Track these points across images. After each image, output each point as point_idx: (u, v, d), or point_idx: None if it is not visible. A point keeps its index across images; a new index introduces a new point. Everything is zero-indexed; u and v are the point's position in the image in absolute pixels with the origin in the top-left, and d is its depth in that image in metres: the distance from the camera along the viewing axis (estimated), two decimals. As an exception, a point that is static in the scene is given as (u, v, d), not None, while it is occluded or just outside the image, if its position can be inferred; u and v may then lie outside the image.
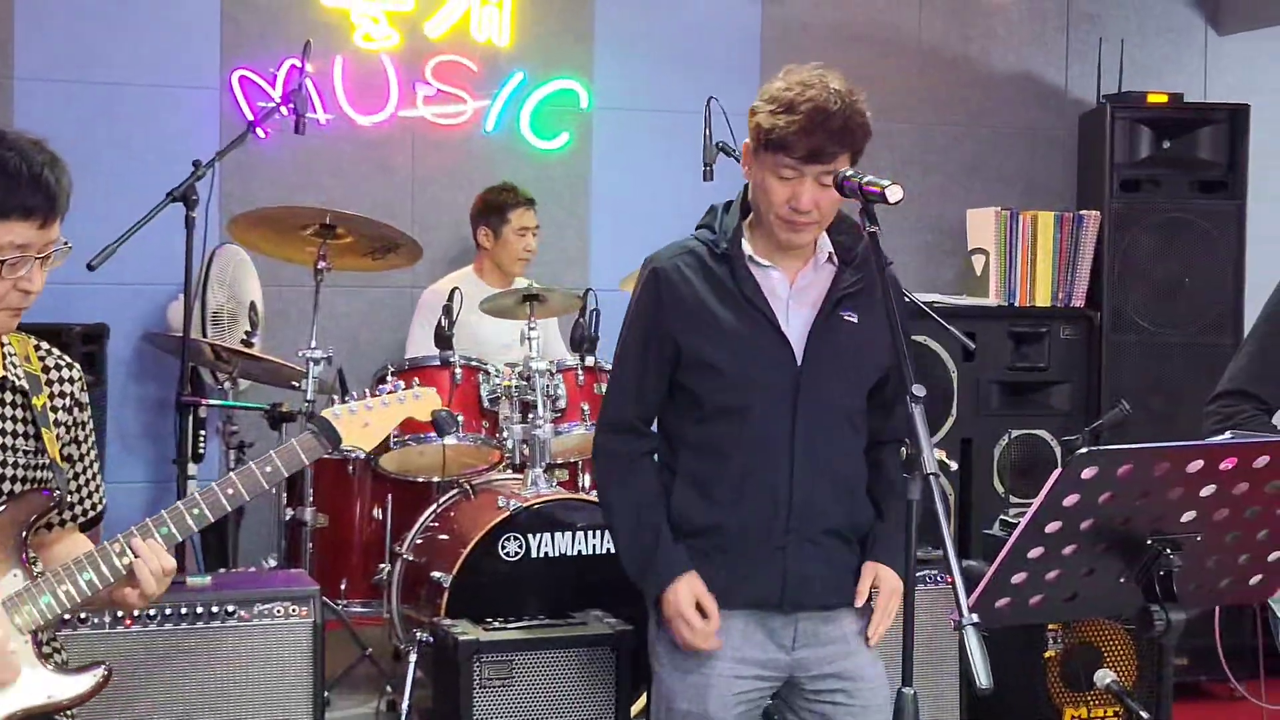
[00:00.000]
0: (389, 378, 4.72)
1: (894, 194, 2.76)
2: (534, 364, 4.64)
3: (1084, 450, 2.28)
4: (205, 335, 5.20)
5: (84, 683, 2.62)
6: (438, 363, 4.72)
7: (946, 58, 6.67)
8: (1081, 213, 6.05)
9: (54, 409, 2.69)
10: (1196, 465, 2.33)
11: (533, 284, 4.84)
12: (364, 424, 2.84)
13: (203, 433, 4.95)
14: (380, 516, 4.90)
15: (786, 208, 2.87)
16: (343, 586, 4.84)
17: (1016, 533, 2.38)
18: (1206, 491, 2.37)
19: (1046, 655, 4.17)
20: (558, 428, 4.68)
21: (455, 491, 4.70)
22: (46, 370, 2.71)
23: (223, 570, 4.56)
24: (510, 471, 4.83)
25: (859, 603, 3.00)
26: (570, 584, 4.34)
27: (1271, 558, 2.55)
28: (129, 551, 2.58)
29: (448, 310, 4.71)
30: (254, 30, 5.83)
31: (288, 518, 4.81)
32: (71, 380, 2.74)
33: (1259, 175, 6.10)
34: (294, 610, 3.71)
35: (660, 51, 6.30)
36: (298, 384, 4.78)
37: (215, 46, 5.80)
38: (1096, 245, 5.99)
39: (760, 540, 2.94)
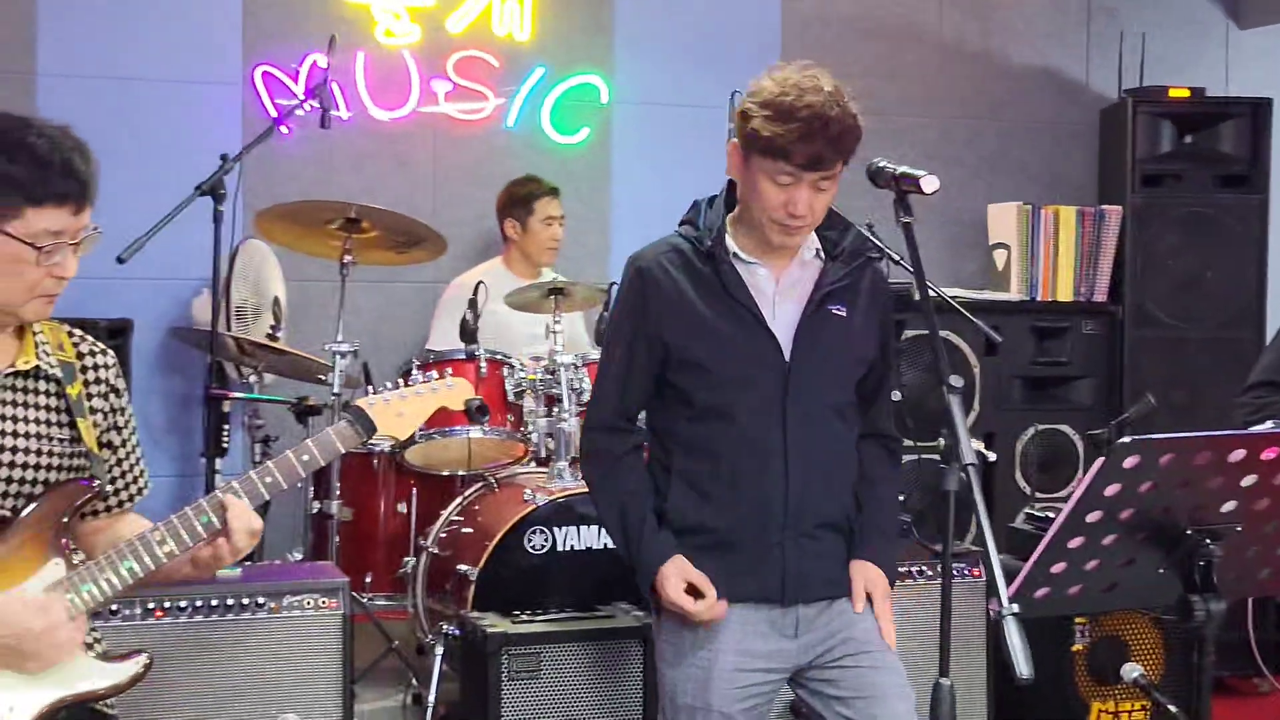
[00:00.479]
0: (414, 371, 4.77)
1: (929, 184, 2.78)
2: (559, 357, 4.64)
3: (1126, 439, 2.28)
4: (229, 329, 5.21)
5: (126, 671, 2.64)
6: (463, 356, 4.72)
7: (967, 52, 6.66)
8: (1103, 207, 6.05)
9: (89, 396, 2.71)
10: (1238, 455, 2.33)
11: (558, 278, 4.84)
12: (398, 413, 2.86)
13: (227, 427, 4.97)
14: (405, 510, 4.89)
15: (782, 212, 2.86)
16: (367, 580, 4.84)
17: (1057, 523, 2.38)
18: (1248, 481, 2.38)
19: (1074, 649, 4.16)
20: (582, 421, 4.67)
21: (480, 485, 4.71)
22: (80, 357, 2.73)
23: (249, 563, 4.56)
24: (535, 465, 4.83)
25: (858, 608, 2.99)
26: (595, 577, 4.33)
27: (1312, 548, 2.55)
28: (169, 540, 2.60)
29: (473, 304, 4.72)
30: (276, 26, 5.83)
31: (314, 510, 4.82)
32: (106, 366, 2.76)
33: (1282, 169, 6.11)
34: (323, 602, 3.72)
35: (680, 46, 6.30)
36: (324, 377, 4.79)
37: (237, 42, 5.81)
38: (1118, 240, 5.99)
39: (757, 537, 2.94)
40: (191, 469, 5.72)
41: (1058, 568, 2.43)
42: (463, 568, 4.32)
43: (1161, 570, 2.47)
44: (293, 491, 5.04)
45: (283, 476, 2.70)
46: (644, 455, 3.11)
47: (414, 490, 4.89)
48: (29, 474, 2.60)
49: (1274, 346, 3.50)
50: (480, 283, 4.82)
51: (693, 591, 2.92)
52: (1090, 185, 6.54)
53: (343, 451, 2.81)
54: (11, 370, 2.60)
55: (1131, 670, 3.96)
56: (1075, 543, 2.40)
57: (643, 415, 3.15)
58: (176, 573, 2.68)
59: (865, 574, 3.02)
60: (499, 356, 4.76)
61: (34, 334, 2.65)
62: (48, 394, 2.65)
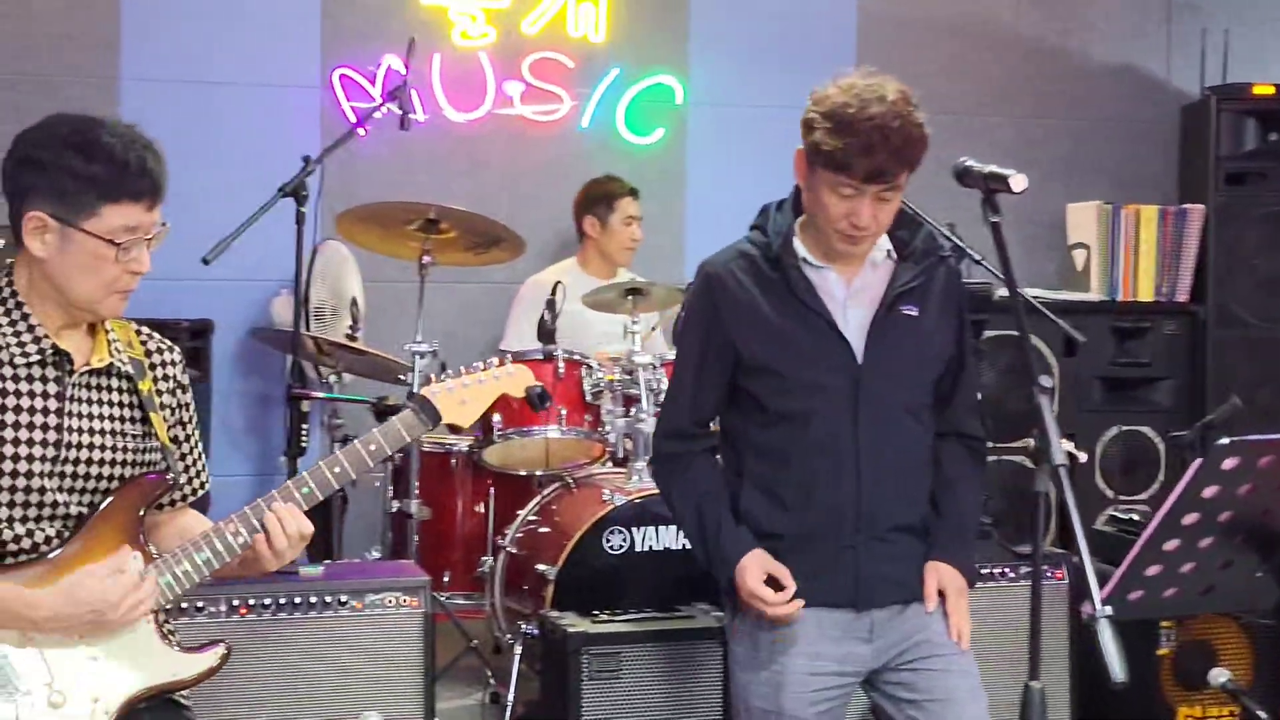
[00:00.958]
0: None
1: (1018, 183, 2.76)
2: (637, 357, 4.64)
3: (1225, 441, 2.25)
4: (308, 330, 5.25)
5: (205, 661, 2.67)
6: (540, 356, 4.73)
7: (1045, 50, 6.60)
8: (1185, 206, 5.97)
9: (159, 392, 2.75)
10: (1340, 456, 2.30)
11: (635, 278, 4.84)
12: (461, 401, 2.88)
13: (306, 427, 5.00)
14: (482, 510, 4.91)
15: (844, 222, 2.85)
16: (445, 579, 4.86)
17: (1152, 525, 2.36)
18: (1350, 482, 2.34)
19: (1160, 653, 4.11)
20: (660, 422, 4.67)
21: (557, 485, 4.72)
22: (149, 354, 2.77)
23: (329, 561, 4.60)
24: (612, 465, 4.84)
25: (929, 608, 2.97)
26: (673, 578, 4.32)
27: None
28: (243, 532, 2.63)
29: (551, 304, 4.73)
30: (353, 29, 5.87)
31: (393, 510, 4.85)
32: (174, 363, 2.80)
33: (1367, 166, 6.00)
34: (404, 601, 3.73)
35: (755, 46, 6.29)
36: (404, 377, 4.81)
37: (316, 45, 5.85)
38: (1200, 239, 5.91)
39: (829, 541, 2.93)
40: (269, 468, 5.77)
41: (1152, 570, 2.41)
42: (541, 567, 4.33)
43: (1259, 574, 2.43)
44: (370, 491, 5.16)
45: (351, 466, 2.74)
46: (716, 458, 3.10)
47: (491, 490, 4.91)
48: (105, 470, 2.64)
49: None
50: (559, 282, 4.83)
51: (772, 585, 2.91)
52: (1170, 184, 6.46)
53: (408, 440, 2.82)
54: (88, 368, 2.64)
55: (1219, 675, 3.89)
56: (1171, 545, 2.37)
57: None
58: (234, 571, 2.71)
59: (939, 573, 2.99)
60: (576, 356, 4.76)
61: (106, 332, 2.69)
62: (121, 390, 2.69)
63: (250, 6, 5.78)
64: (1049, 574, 4.08)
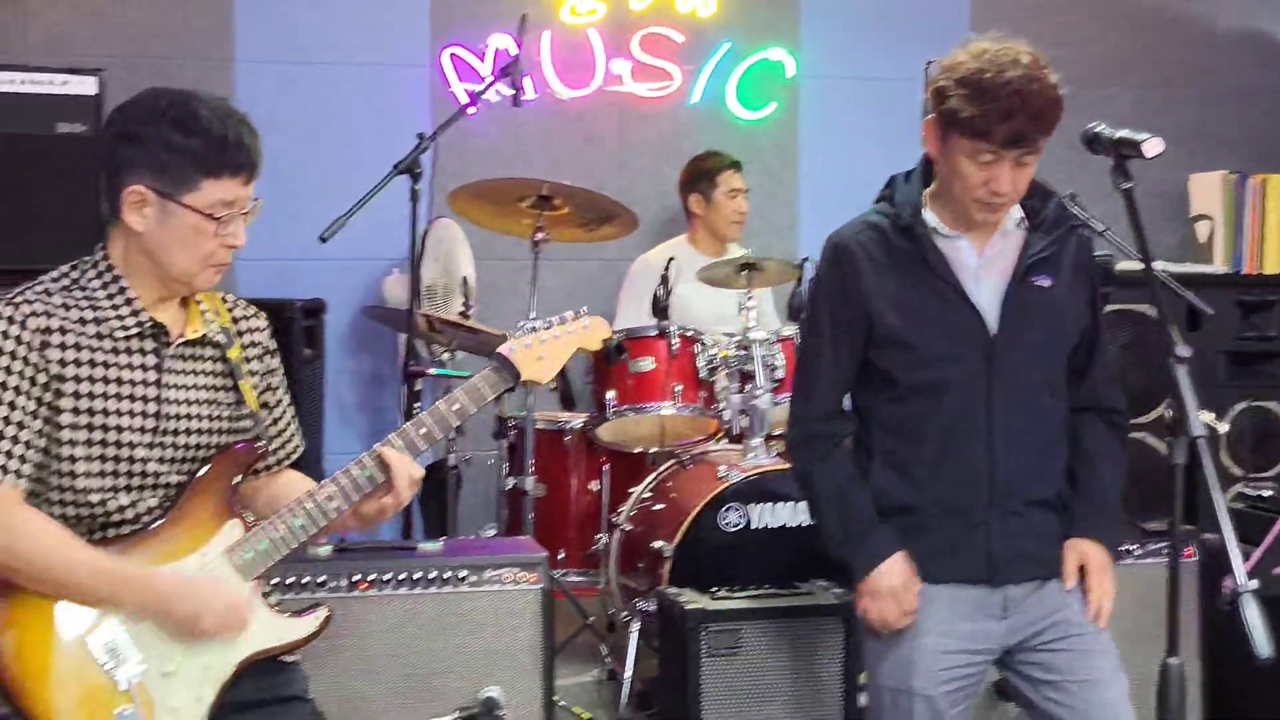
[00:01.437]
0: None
1: (1152, 148, 2.72)
2: (752, 333, 4.60)
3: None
4: (421, 308, 5.26)
5: (309, 625, 2.71)
6: (654, 333, 4.71)
7: (1165, 17, 6.45)
8: (1315, 176, 5.80)
9: (247, 359, 2.77)
10: None
11: (749, 253, 4.80)
12: (538, 357, 2.86)
13: (418, 405, 5.02)
14: (596, 487, 4.90)
15: (983, 190, 2.79)
16: (560, 556, 4.85)
17: (1299, 497, 2.27)
18: None
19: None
20: (775, 398, 4.64)
21: (672, 462, 4.69)
22: (236, 321, 2.79)
23: (445, 537, 4.61)
24: (727, 442, 4.80)
25: (1068, 585, 2.92)
26: (790, 555, 4.29)
27: None
28: (371, 467, 2.66)
29: (664, 280, 4.69)
30: (463, 7, 5.88)
31: (508, 487, 4.85)
32: (260, 329, 2.82)
33: None
34: (523, 577, 3.73)
35: (867, 18, 6.21)
36: (517, 354, 4.80)
37: (425, 24, 5.86)
38: (1331, 209, 5.75)
39: (962, 516, 2.88)
40: (382, 446, 5.79)
41: (1299, 544, 2.33)
42: (657, 544, 4.31)
43: None
44: (484, 468, 5.17)
45: (436, 426, 2.75)
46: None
47: (605, 467, 4.90)
48: (202, 439, 2.66)
49: None
50: (672, 259, 4.79)
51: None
52: (1295, 153, 6.28)
53: (490, 398, 2.81)
54: (183, 339, 2.66)
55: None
56: (1317, 518, 2.29)
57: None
58: (343, 526, 2.74)
59: (1079, 550, 2.94)
60: (690, 333, 4.73)
61: (197, 303, 2.71)
62: (213, 360, 2.72)
63: (361, -14, 5.82)
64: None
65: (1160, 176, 6.21)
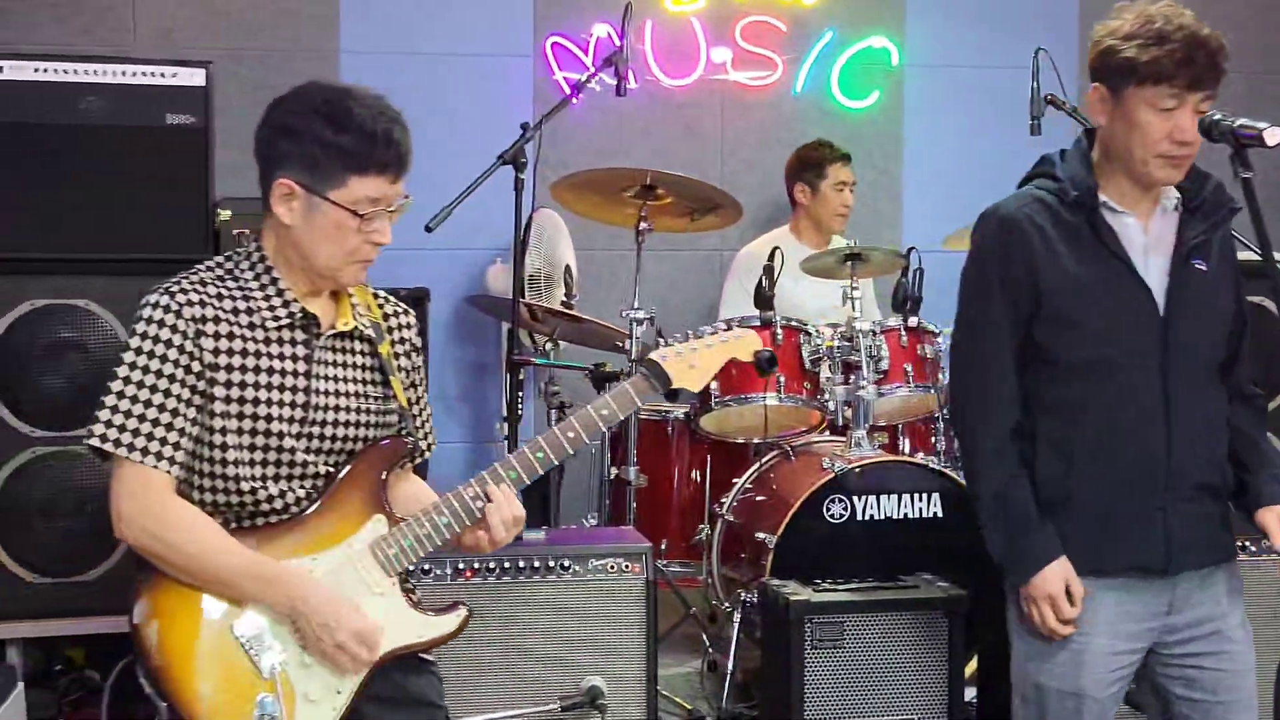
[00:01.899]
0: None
1: (1273, 136, 2.66)
2: (857, 324, 4.55)
3: None
4: (523, 298, 5.27)
5: (449, 623, 2.71)
6: (758, 323, 4.67)
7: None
8: None
9: (396, 355, 2.78)
10: None
11: (853, 243, 4.75)
12: (690, 365, 2.85)
13: (521, 394, 5.03)
14: (699, 477, 4.88)
15: (1167, 142, 2.75)
16: (662, 547, 4.84)
17: None
18: None
19: None
20: (880, 389, 4.59)
21: (775, 453, 4.66)
22: (387, 317, 2.80)
23: (548, 526, 4.62)
24: (830, 433, 4.76)
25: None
26: (894, 547, 4.26)
27: None
28: (481, 497, 2.66)
29: (768, 270, 4.66)
30: (566, -3, 5.89)
31: (611, 476, 4.84)
32: (409, 326, 2.84)
33: None
34: (626, 566, 3.73)
35: (973, 5, 6.15)
36: (621, 344, 4.80)
37: (529, 14, 5.88)
38: None
39: (1137, 501, 2.81)
40: (484, 435, 5.83)
41: None
42: (760, 535, 4.28)
43: None
44: (587, 458, 5.17)
45: (584, 431, 2.75)
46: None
47: (708, 457, 4.88)
48: (350, 431, 2.67)
49: None
50: (776, 248, 4.76)
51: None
52: None
53: (639, 405, 2.81)
54: (333, 331, 2.67)
55: None
56: None
57: None
58: (451, 543, 2.73)
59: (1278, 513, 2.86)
60: (794, 323, 4.69)
61: (349, 296, 2.73)
62: (363, 353, 2.73)
63: (464, -22, 5.83)
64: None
65: (1277, 164, 6.08)
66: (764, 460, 4.65)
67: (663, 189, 4.81)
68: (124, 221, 4.03)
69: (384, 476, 2.69)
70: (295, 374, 2.62)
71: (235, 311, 2.59)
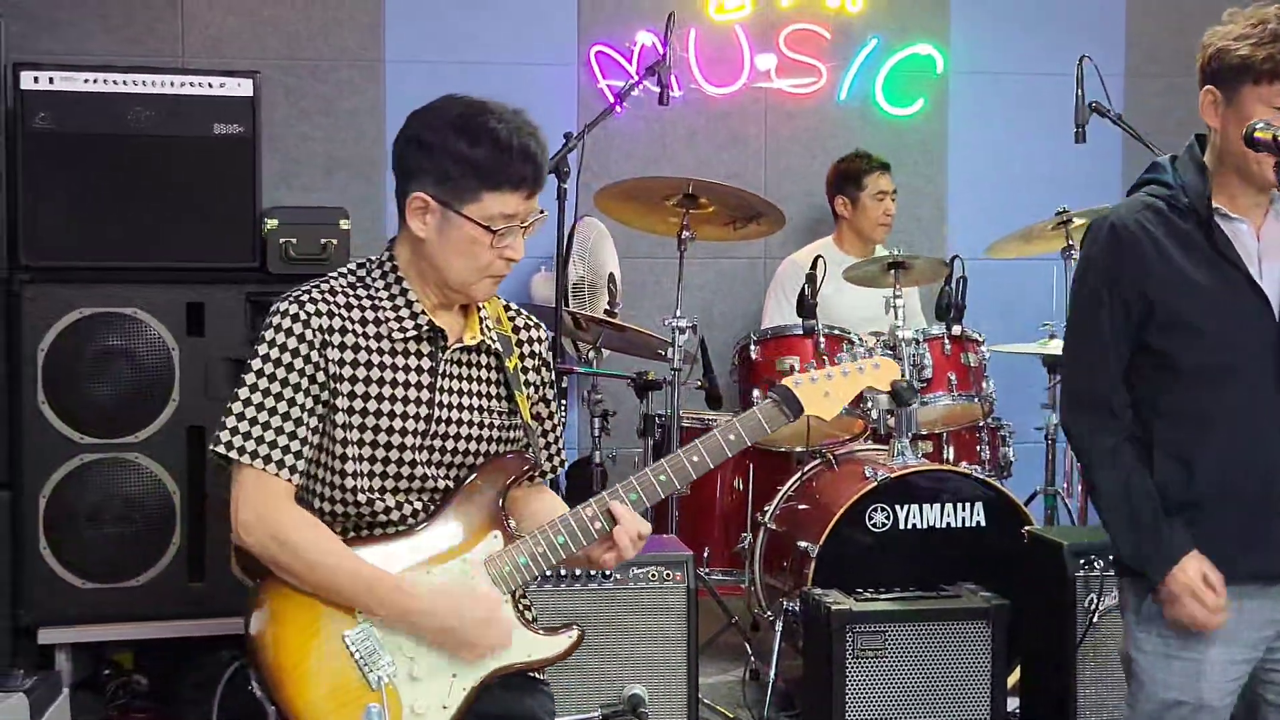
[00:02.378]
0: (751, 347, 4.75)
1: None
2: (900, 332, 4.55)
3: None
4: (567, 306, 5.29)
5: (560, 644, 2.70)
6: (800, 332, 4.68)
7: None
8: None
9: (524, 369, 2.77)
10: None
11: (896, 251, 4.74)
12: (824, 393, 2.82)
13: (564, 402, 5.05)
14: (741, 486, 4.89)
15: None
16: (704, 555, 4.85)
17: None
18: None
19: None
20: (923, 397, 4.58)
21: (818, 461, 4.66)
22: (517, 331, 2.79)
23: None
24: (873, 442, 4.76)
25: None
26: (936, 557, 4.26)
27: None
28: (600, 517, 2.65)
29: (811, 279, 4.66)
30: (609, 6, 5.89)
31: (654, 485, 4.84)
32: (540, 340, 2.82)
33: None
34: (668, 575, 3.74)
35: (1019, 12, 6.11)
36: (663, 352, 4.81)
37: (572, 23, 5.89)
38: None
39: (1256, 508, 2.78)
40: (528, 443, 5.83)
41: None
42: (803, 544, 4.28)
43: None
44: (630, 465, 5.18)
45: (709, 455, 2.71)
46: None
47: (751, 466, 4.88)
48: (472, 445, 2.67)
49: None
50: (819, 257, 4.76)
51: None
52: None
53: (768, 432, 2.77)
54: (460, 345, 2.67)
55: None
56: None
57: None
58: (577, 560, 2.72)
59: None
60: (837, 332, 4.69)
61: (477, 309, 2.72)
62: (489, 367, 2.72)
63: (509, -14, 5.86)
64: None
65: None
66: (806, 469, 4.65)
67: (705, 198, 4.82)
68: (172, 231, 4.08)
69: (503, 492, 2.68)
70: (419, 386, 2.62)
71: (363, 322, 2.60)
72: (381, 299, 2.63)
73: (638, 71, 5.49)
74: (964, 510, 4.30)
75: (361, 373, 2.58)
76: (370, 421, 2.58)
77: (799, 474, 4.64)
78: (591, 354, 5.23)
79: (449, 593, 2.56)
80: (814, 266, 4.70)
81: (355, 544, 2.58)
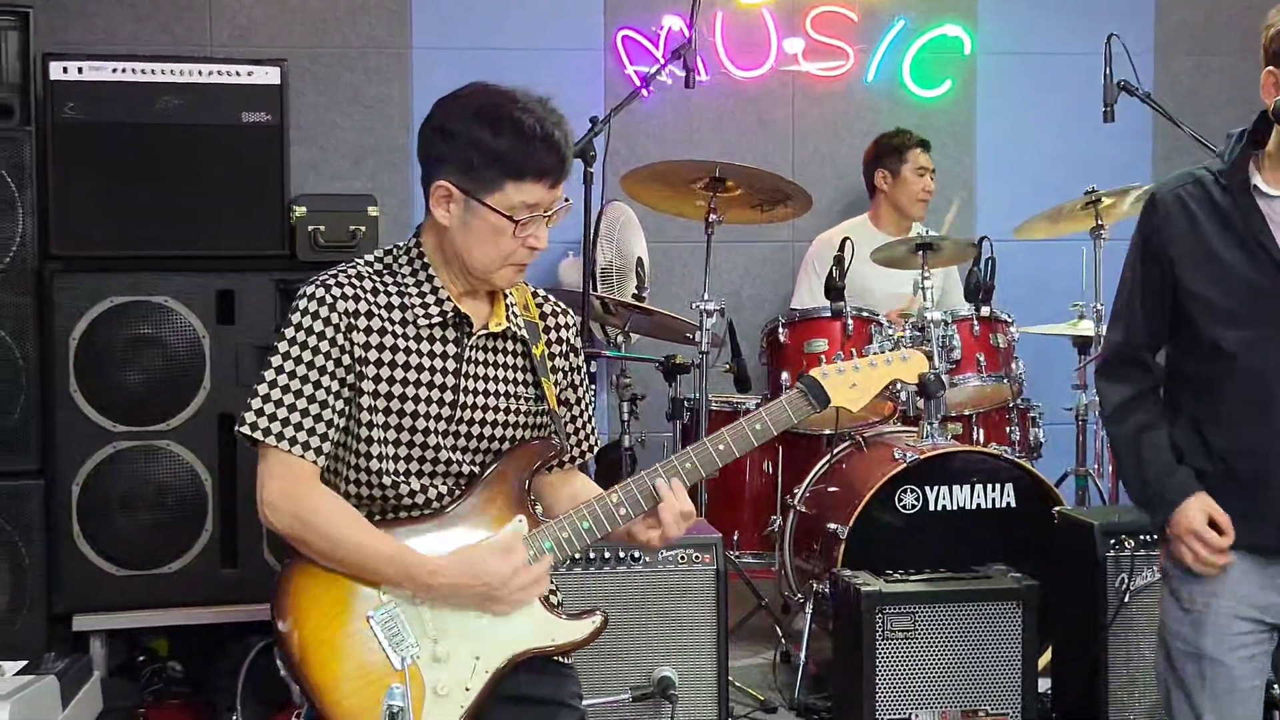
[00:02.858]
0: (780, 330, 4.75)
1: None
2: (928, 314, 4.54)
3: None
4: (595, 291, 5.29)
5: (583, 629, 2.70)
6: (828, 314, 4.67)
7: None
8: None
9: (552, 355, 2.77)
10: None
11: (926, 231, 4.73)
12: (851, 384, 2.83)
13: (594, 386, 5.05)
14: (770, 469, 4.89)
15: None
16: (734, 538, 4.85)
17: None
18: None
19: None
20: (952, 379, 4.57)
21: (847, 444, 4.65)
22: (544, 318, 2.79)
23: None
24: (902, 424, 4.75)
25: None
26: (966, 538, 4.26)
27: None
28: (625, 503, 2.66)
29: (839, 260, 4.65)
30: (635, -10, 5.90)
31: (684, 468, 4.85)
32: (567, 326, 2.82)
33: None
34: (697, 558, 3.74)
35: (1046, -9, 6.09)
36: (690, 336, 4.80)
37: (598, 7, 5.88)
38: None
39: (1261, 482, 2.80)
40: (556, 428, 5.84)
41: None
42: (832, 526, 4.28)
43: None
44: (659, 448, 5.19)
45: (735, 444, 2.73)
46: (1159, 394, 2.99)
47: (780, 449, 4.88)
48: (497, 431, 2.68)
49: None
50: (846, 238, 4.75)
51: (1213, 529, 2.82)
52: None
53: (794, 421, 2.78)
54: (485, 331, 2.68)
55: None
56: None
57: None
58: (620, 537, 2.74)
59: None
60: (865, 313, 4.68)
61: (505, 296, 2.72)
62: (515, 354, 2.73)
63: (534, -28, 5.86)
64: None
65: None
66: (836, 451, 4.64)
67: (732, 180, 4.81)
68: (201, 219, 4.10)
69: (529, 477, 2.69)
70: (445, 372, 2.63)
71: (389, 307, 2.61)
72: (408, 285, 2.64)
73: (664, 55, 5.48)
74: (994, 491, 4.29)
75: (387, 357, 2.59)
76: (395, 406, 2.59)
77: (828, 456, 4.63)
78: (620, 338, 5.23)
79: (471, 558, 2.56)
80: (841, 248, 4.69)
81: (381, 527, 2.60)
